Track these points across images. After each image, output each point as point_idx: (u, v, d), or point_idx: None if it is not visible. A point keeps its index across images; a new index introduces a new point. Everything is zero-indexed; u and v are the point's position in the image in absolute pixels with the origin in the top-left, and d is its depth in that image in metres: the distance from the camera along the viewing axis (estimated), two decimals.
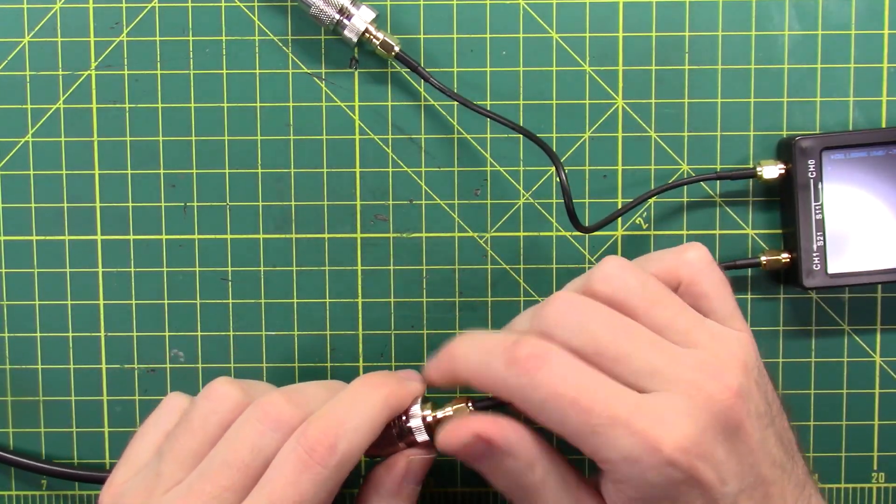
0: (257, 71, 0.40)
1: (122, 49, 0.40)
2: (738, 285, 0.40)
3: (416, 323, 0.40)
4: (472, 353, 0.30)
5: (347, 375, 0.37)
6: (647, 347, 0.29)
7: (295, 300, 0.40)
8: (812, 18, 0.39)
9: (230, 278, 0.40)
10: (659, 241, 0.39)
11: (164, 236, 0.40)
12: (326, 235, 0.40)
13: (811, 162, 0.36)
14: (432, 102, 0.40)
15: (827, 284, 0.36)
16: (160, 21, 0.40)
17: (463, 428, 0.30)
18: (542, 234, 0.40)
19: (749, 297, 0.39)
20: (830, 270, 0.37)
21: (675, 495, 0.28)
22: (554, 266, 0.40)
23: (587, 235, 0.39)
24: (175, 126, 0.40)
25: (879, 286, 0.39)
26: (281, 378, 0.40)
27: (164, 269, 0.40)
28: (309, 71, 0.40)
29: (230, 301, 0.40)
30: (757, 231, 0.40)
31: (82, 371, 0.40)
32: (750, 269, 0.38)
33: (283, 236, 0.40)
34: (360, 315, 0.40)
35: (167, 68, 0.40)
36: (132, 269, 0.40)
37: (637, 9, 0.38)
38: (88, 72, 0.40)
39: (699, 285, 0.31)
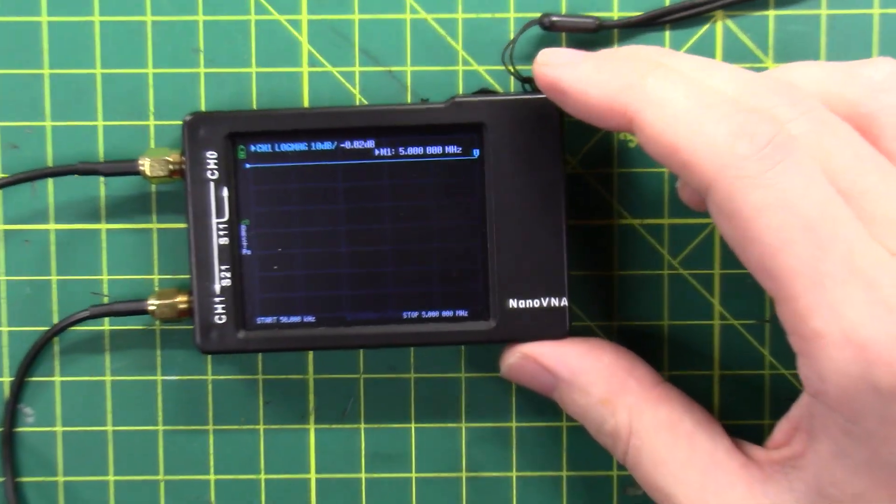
0: None
1: None
2: None
3: None
4: (680, 95, 0.26)
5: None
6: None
7: None
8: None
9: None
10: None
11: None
12: None
13: (211, 154, 0.31)
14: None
15: (232, 348, 0.31)
16: None
17: (514, 348, 0.31)
18: None
19: None
20: (257, 323, 0.32)
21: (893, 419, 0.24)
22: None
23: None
24: None
25: None
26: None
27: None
28: None
29: None
30: None
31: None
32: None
33: None
34: None
35: None
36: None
37: None
38: None
39: None
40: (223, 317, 0.31)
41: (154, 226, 0.33)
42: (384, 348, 0.34)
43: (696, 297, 0.34)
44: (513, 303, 0.31)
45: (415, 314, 0.32)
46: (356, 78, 0.33)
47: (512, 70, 0.32)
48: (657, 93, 0.26)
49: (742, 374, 0.34)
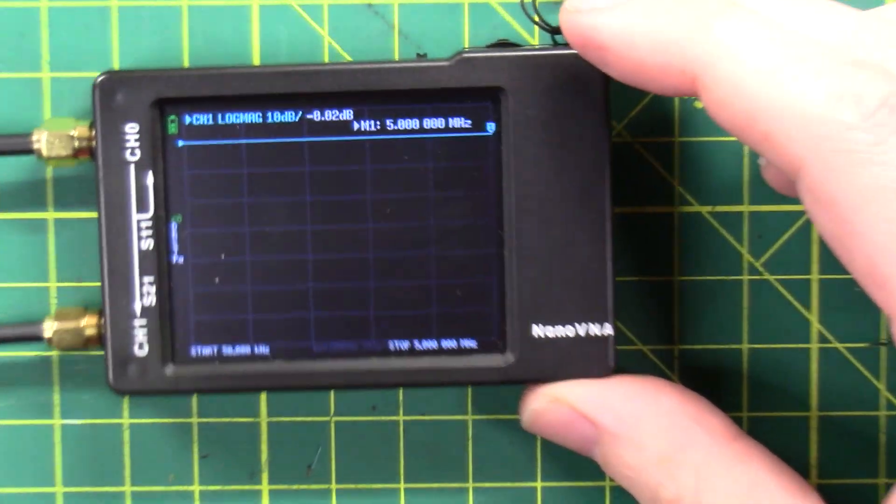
0: None
1: None
2: None
3: None
4: (760, 44, 0.24)
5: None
6: None
7: None
8: None
9: None
10: None
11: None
12: None
13: (131, 127, 0.28)
14: None
15: (157, 389, 0.29)
16: None
17: (540, 390, 0.29)
18: None
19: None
20: (191, 356, 0.30)
21: None
22: None
23: None
24: None
25: None
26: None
27: None
28: None
29: None
30: None
31: None
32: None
33: None
34: None
35: None
36: None
37: None
38: None
39: None
40: (145, 346, 0.28)
41: (50, 215, 0.29)
42: (363, 390, 0.31)
43: (787, 311, 0.31)
44: (538, 330, 0.28)
45: (405, 345, 0.29)
46: (324, 14, 0.29)
47: (537, 18, 0.28)
48: (729, 42, 0.23)
49: (849, 415, 0.31)
